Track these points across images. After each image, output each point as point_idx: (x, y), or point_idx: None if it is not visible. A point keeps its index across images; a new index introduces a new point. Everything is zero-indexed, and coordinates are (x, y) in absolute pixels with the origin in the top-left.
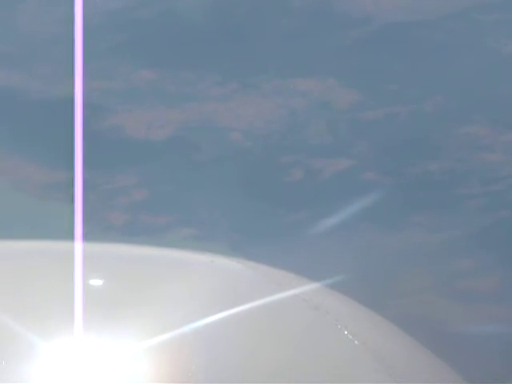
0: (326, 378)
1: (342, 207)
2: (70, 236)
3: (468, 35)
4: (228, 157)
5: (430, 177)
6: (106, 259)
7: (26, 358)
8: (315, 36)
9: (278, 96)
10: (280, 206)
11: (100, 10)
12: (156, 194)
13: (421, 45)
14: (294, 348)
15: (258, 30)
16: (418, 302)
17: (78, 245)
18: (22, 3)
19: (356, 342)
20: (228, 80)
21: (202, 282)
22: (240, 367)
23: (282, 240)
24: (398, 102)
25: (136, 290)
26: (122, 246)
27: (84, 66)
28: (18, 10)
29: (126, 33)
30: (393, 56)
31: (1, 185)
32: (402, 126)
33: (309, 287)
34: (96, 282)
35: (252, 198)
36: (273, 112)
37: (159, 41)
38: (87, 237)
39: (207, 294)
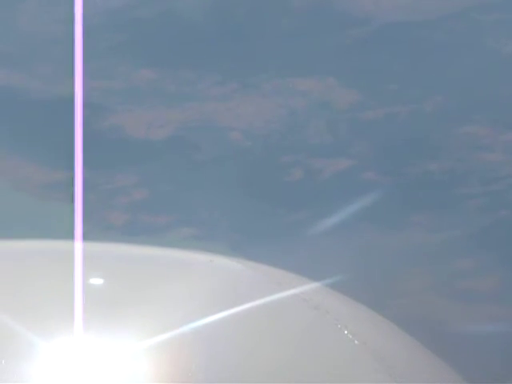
0: (326, 377)
1: (341, 207)
2: (69, 236)
3: (468, 35)
4: (228, 157)
5: (429, 177)
6: (106, 259)
7: (26, 358)
8: (315, 36)
9: (277, 96)
10: (280, 206)
11: (100, 9)
12: (156, 193)
13: (421, 45)
14: (294, 348)
15: (258, 29)
16: (418, 302)
17: (78, 244)
18: (22, 3)
19: (356, 341)
20: (228, 80)
21: (201, 281)
22: (240, 367)
23: (282, 240)
24: (397, 101)
25: (136, 289)
26: (122, 245)
27: (84, 65)
28: (17, 10)
29: (126, 32)
30: (393, 56)
31: (1, 185)
32: (402, 125)
33: (309, 287)
34: (96, 282)
35: (252, 197)
36: (273, 112)
37: (159, 40)
38: (87, 236)
39: (207, 293)
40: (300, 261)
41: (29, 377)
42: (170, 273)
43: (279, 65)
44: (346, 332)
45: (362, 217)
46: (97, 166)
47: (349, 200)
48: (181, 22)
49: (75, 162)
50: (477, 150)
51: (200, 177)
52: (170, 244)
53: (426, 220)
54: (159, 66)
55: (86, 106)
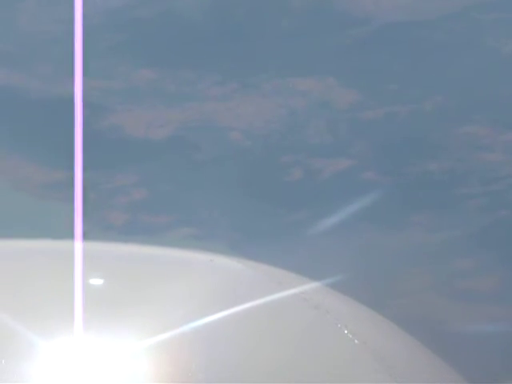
0: (326, 377)
1: (341, 207)
2: (69, 235)
3: (468, 35)
4: (228, 156)
5: (429, 176)
6: (107, 258)
7: (26, 358)
8: (315, 36)
9: (277, 96)
10: (280, 206)
11: (100, 9)
12: (156, 193)
13: (420, 44)
14: (294, 347)
15: (258, 29)
16: (418, 302)
17: (78, 244)
18: (22, 2)
19: (356, 341)
20: (228, 80)
21: (202, 281)
22: (240, 366)
23: (282, 240)
24: (397, 101)
25: (136, 289)
26: (122, 245)
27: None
28: (17, 10)
29: (126, 32)
30: (393, 56)
31: (1, 185)
32: (402, 125)
33: (309, 286)
34: (96, 281)
35: (252, 197)
36: (273, 112)
37: (159, 40)
38: (87, 236)
39: (207, 293)
40: (300, 260)
41: (29, 377)
42: (170, 272)
43: (279, 65)
44: (346, 332)
45: (362, 217)
46: (97, 166)
47: (349, 200)
48: (181, 21)
49: (75, 162)
50: (477, 150)
51: (200, 177)
52: (170, 244)
53: (426, 220)
54: (159, 65)
55: (85, 105)
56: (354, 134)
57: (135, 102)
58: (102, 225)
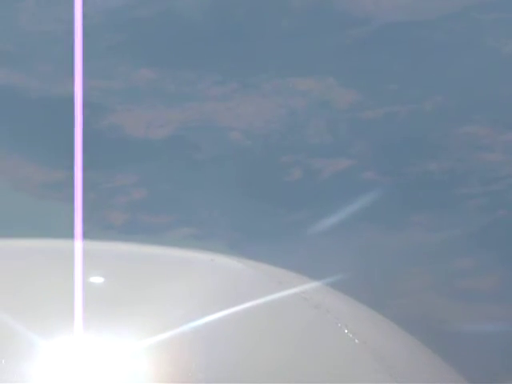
0: (326, 377)
1: (341, 207)
2: (69, 235)
3: (468, 35)
4: (228, 156)
5: (429, 176)
6: (107, 258)
7: (26, 357)
8: (315, 36)
9: (277, 96)
10: (280, 206)
11: (99, 8)
12: (155, 193)
13: (420, 44)
14: (294, 347)
15: (258, 29)
16: (418, 302)
17: (78, 243)
18: (22, 2)
19: (356, 340)
20: (228, 79)
21: (202, 280)
22: (240, 366)
23: (282, 239)
24: (397, 101)
25: (136, 288)
26: (123, 244)
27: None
28: (17, 9)
29: (126, 32)
30: (392, 56)
31: (1, 184)
32: (402, 125)
33: (309, 286)
34: (96, 281)
35: (251, 197)
36: (272, 112)
37: (159, 40)
38: (86, 236)
39: (207, 292)
40: (300, 260)
41: (29, 376)
42: (171, 272)
43: (279, 65)
44: (346, 331)
45: (362, 217)
46: (96, 166)
47: (348, 200)
48: (180, 21)
49: (75, 162)
50: (477, 150)
51: (200, 176)
52: (170, 243)
53: (426, 220)
54: (159, 65)
55: (85, 105)
56: (354, 133)
57: (135, 102)
58: (102, 224)
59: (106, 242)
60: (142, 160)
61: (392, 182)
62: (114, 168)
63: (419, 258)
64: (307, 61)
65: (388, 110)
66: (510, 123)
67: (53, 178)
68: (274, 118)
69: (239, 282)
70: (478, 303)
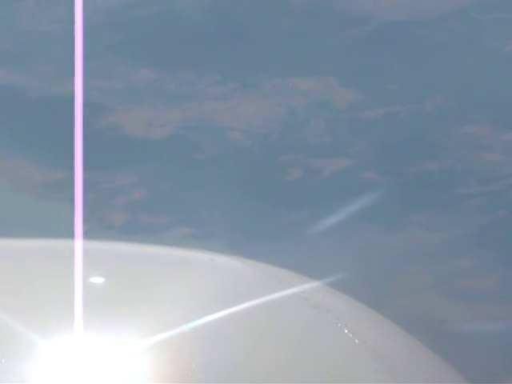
0: (326, 377)
1: (341, 207)
2: (69, 235)
3: (467, 34)
4: (227, 156)
5: (429, 176)
6: (107, 257)
7: (26, 357)
8: (315, 35)
9: (277, 95)
10: (279, 206)
11: (99, 8)
12: (155, 193)
13: (420, 44)
14: (294, 347)
15: (258, 29)
16: (418, 302)
17: (79, 243)
18: (22, 2)
19: (356, 340)
20: (228, 79)
21: (202, 280)
22: (240, 366)
23: (282, 239)
24: (397, 101)
25: (136, 288)
26: (123, 244)
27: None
28: (17, 9)
29: (126, 32)
30: (392, 55)
31: (1, 184)
32: (402, 125)
33: (309, 286)
34: (96, 281)
35: (251, 197)
36: (272, 111)
37: (159, 40)
38: (86, 236)
39: (208, 292)
40: (300, 260)
41: (29, 376)
42: (171, 271)
43: (279, 64)
44: (346, 331)
45: (362, 216)
46: (96, 166)
47: (348, 200)
48: (180, 21)
49: (75, 162)
50: (476, 150)
51: (199, 176)
52: (169, 243)
53: (426, 220)
54: (159, 65)
55: (85, 105)
56: (354, 133)
57: (135, 102)
58: (102, 224)
59: (106, 241)
60: (141, 160)
61: (392, 181)
62: (114, 168)
63: (419, 258)
64: (307, 61)
65: (388, 110)
66: (510, 123)
67: (53, 177)
68: (273, 118)
69: (239, 282)
70: (478, 303)
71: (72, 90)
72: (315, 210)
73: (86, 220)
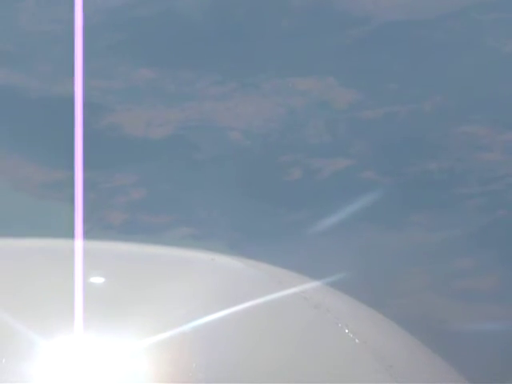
0: (327, 377)
1: (341, 206)
2: (69, 235)
3: (467, 34)
4: (227, 156)
5: (429, 176)
6: (107, 257)
7: (26, 357)
8: (315, 35)
9: (277, 95)
10: (279, 206)
11: (99, 8)
12: (155, 193)
13: (420, 44)
14: (294, 346)
15: (258, 29)
16: (418, 302)
17: (79, 243)
18: (22, 2)
19: (357, 340)
20: (227, 79)
21: (203, 280)
22: (240, 366)
23: (282, 239)
24: (397, 101)
25: (137, 288)
26: (123, 244)
27: (83, 64)
28: (17, 9)
29: (126, 31)
30: (392, 55)
31: (1, 184)
32: (401, 125)
33: (309, 286)
34: (97, 280)
35: (251, 197)
36: (272, 111)
37: (159, 40)
38: (86, 236)
39: (208, 292)
40: (300, 260)
41: (29, 376)
42: (171, 271)
43: (279, 64)
44: (346, 331)
45: (362, 216)
46: (96, 166)
47: (348, 199)
48: (180, 21)
49: (75, 162)
50: (476, 150)
51: (199, 176)
52: (169, 243)
53: (426, 219)
54: (159, 65)
55: (85, 105)
56: (354, 133)
57: (135, 102)
58: (101, 224)
59: (106, 242)
60: (141, 160)
61: (392, 181)
62: (114, 168)
63: (419, 258)
64: (307, 61)
65: (388, 110)
66: (510, 123)
67: (53, 177)
68: (273, 118)
69: (239, 282)
70: (478, 303)
71: (72, 90)
72: (315, 210)
73: (85, 220)
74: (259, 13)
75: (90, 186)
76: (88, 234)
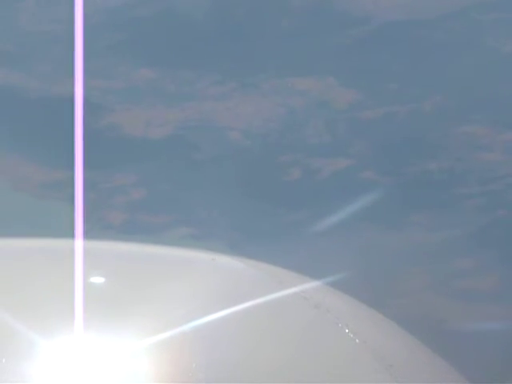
0: (327, 377)
1: (341, 206)
2: (69, 235)
3: (467, 34)
4: (227, 156)
5: (428, 176)
6: (108, 257)
7: (26, 357)
8: (315, 35)
9: (276, 95)
10: (279, 205)
11: (99, 8)
12: (154, 193)
13: (420, 44)
14: (294, 346)
15: (258, 29)
16: (418, 301)
17: (79, 243)
18: (22, 2)
19: (357, 340)
20: (227, 79)
21: (203, 280)
22: (240, 366)
23: (281, 239)
24: (397, 101)
25: (138, 288)
26: (124, 244)
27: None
28: (17, 9)
29: (126, 31)
30: (392, 55)
31: (1, 184)
32: (401, 125)
33: (309, 285)
34: (97, 280)
35: (251, 197)
36: (272, 111)
37: (158, 40)
38: (86, 236)
39: (209, 291)
40: (300, 260)
41: (29, 376)
42: (172, 271)
43: (278, 64)
44: (346, 331)
45: (362, 216)
46: (95, 165)
47: (348, 199)
48: (180, 21)
49: (75, 161)
50: (476, 150)
51: (199, 176)
52: (168, 243)
53: (426, 219)
54: (158, 65)
55: (85, 105)
56: (353, 133)
57: (134, 102)
58: (101, 224)
59: (107, 241)
60: (141, 160)
61: (392, 181)
62: (113, 168)
63: (419, 257)
64: (307, 61)
65: (388, 110)
66: (509, 123)
67: (53, 177)
68: (273, 118)
69: (240, 282)
70: (478, 303)
71: (72, 90)
72: (315, 210)
73: (85, 220)
74: (259, 13)
75: (90, 185)
76: (88, 234)
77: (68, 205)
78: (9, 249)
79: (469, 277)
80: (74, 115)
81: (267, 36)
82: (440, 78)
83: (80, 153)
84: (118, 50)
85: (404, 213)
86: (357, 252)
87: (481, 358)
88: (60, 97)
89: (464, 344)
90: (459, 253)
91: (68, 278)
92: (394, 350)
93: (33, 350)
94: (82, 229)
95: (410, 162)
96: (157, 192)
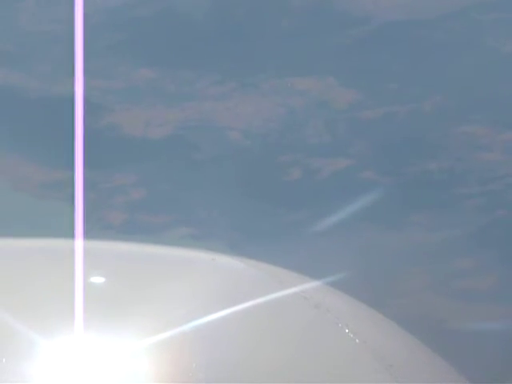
0: (327, 376)
1: (340, 206)
2: (69, 235)
3: (467, 34)
4: (226, 156)
5: (428, 176)
6: (108, 257)
7: (26, 357)
8: (314, 35)
9: (276, 95)
10: (279, 205)
11: (99, 8)
12: (154, 193)
13: (420, 44)
14: (294, 346)
15: (258, 29)
16: (418, 301)
17: (79, 243)
18: (22, 2)
19: (357, 340)
20: (227, 79)
21: (203, 280)
22: (240, 366)
23: (281, 239)
24: (396, 101)
25: (138, 288)
26: (124, 244)
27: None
28: (17, 9)
29: (126, 31)
30: (392, 55)
31: (1, 184)
32: (401, 125)
33: (309, 285)
34: (97, 280)
35: (251, 197)
36: (271, 111)
37: (158, 40)
38: (86, 236)
39: (209, 291)
40: (300, 260)
41: (29, 376)
42: (172, 271)
43: (278, 64)
44: (346, 330)
45: (362, 216)
46: (95, 165)
47: (348, 199)
48: (180, 21)
49: (75, 161)
50: (475, 150)
51: (199, 176)
52: (168, 243)
53: (426, 219)
54: (158, 65)
55: (85, 105)
56: (353, 133)
57: (134, 102)
58: (101, 224)
59: (107, 241)
60: (140, 160)
61: (391, 181)
62: (113, 168)
63: (419, 257)
64: (307, 61)
65: (387, 110)
66: (509, 123)
67: (53, 177)
68: (273, 118)
69: (240, 282)
70: (478, 303)
71: (72, 90)
72: (315, 210)
73: (85, 220)
74: (259, 13)
75: (89, 186)
76: (88, 234)
77: (68, 205)
78: (9, 249)
79: (469, 277)
80: (74, 115)
81: (267, 36)
82: (440, 78)
83: (80, 153)
84: (118, 50)
85: (404, 213)
86: (357, 252)
87: (481, 357)
88: (60, 97)
89: (464, 344)
90: (459, 253)
91: (68, 278)
92: (394, 350)
93: (33, 349)
94: (82, 229)
95: (410, 162)
96: (157, 192)
